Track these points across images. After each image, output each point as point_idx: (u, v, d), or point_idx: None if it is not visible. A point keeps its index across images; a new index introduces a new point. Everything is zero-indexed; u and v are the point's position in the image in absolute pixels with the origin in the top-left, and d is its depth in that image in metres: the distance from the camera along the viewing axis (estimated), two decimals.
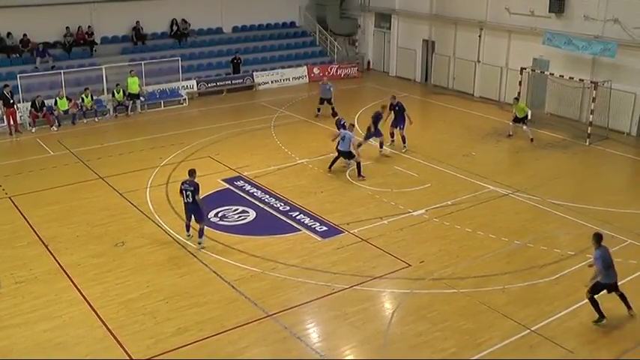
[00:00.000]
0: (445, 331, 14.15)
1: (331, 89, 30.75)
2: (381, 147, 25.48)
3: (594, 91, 27.35)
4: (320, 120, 30.27)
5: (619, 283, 14.54)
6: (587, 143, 27.17)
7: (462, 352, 13.39)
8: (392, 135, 26.59)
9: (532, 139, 27.01)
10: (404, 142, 26.10)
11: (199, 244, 17.81)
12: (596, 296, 14.28)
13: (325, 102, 30.74)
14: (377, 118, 25.16)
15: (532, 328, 14.16)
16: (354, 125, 23.50)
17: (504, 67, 33.68)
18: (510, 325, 14.32)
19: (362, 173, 22.74)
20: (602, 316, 14.34)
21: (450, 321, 14.52)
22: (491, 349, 13.50)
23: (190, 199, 17.53)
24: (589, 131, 27.35)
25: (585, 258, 17.21)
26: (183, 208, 18.00)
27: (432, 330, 14.19)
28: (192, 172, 17.75)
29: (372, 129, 25.06)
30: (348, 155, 22.99)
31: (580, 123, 29.03)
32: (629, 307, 14.54)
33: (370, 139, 25.40)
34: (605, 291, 14.36)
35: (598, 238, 14.36)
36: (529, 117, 27.26)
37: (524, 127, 27.15)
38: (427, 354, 13.36)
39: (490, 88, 34.42)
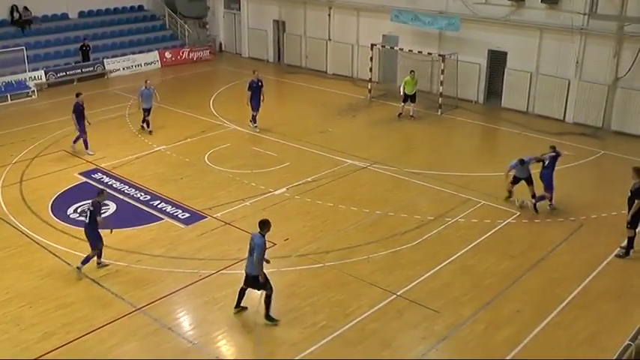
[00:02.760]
0: (315, 305, 14.29)
1: (155, 95, 26.68)
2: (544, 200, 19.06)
3: (442, 64, 28.43)
4: (175, 105, 29.56)
5: None
6: (439, 113, 28.24)
7: (332, 324, 13.57)
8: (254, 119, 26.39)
9: (413, 116, 27.52)
10: (254, 122, 26.11)
11: (78, 268, 15.75)
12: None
13: (147, 112, 26.00)
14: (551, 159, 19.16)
15: (398, 293, 14.59)
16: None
17: (355, 44, 34.32)
18: (377, 292, 14.68)
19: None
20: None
21: (319, 295, 14.68)
22: (360, 317, 13.78)
23: (87, 220, 15.76)
24: (440, 102, 28.46)
25: (445, 221, 18.02)
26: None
27: (301, 305, 14.28)
28: (100, 192, 16.11)
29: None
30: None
31: (431, 94, 30.04)
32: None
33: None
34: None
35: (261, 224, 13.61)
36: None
37: (412, 104, 27.57)
38: (299, 329, 13.44)
39: (342, 65, 34.99)
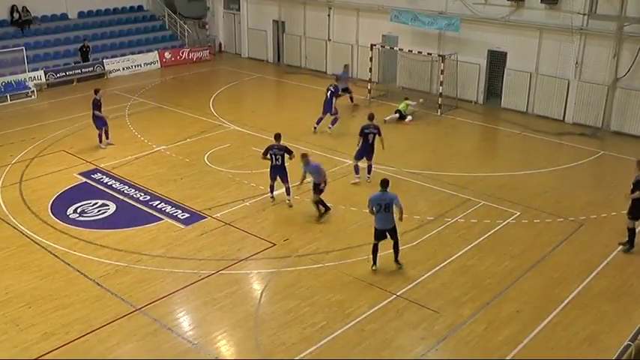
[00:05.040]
0: (314, 305, 14.27)
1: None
2: None
3: (442, 64, 28.40)
4: (175, 105, 29.75)
5: None
6: (438, 113, 28.23)
7: (332, 324, 13.56)
8: (357, 168, 21.12)
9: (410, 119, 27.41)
10: (369, 173, 21.21)
11: (289, 201, 19.29)
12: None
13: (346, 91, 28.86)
14: None
15: (397, 294, 14.57)
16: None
17: (355, 45, 34.31)
18: (377, 292, 14.66)
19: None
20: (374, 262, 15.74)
21: (318, 295, 14.66)
22: (360, 317, 13.77)
23: (279, 162, 18.83)
24: (440, 102, 28.44)
25: (444, 222, 18.01)
26: (270, 170, 19.10)
27: (301, 306, 14.26)
28: (278, 137, 19.17)
29: None
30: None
31: (431, 95, 30.06)
32: (396, 259, 15.80)
33: None
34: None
35: (384, 183, 15.52)
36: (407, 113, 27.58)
37: (409, 117, 27.41)
38: (298, 330, 13.42)
39: (342, 66, 34.80)
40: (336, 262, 16.04)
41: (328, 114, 25.57)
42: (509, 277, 15.32)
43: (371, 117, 20.84)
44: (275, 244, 16.89)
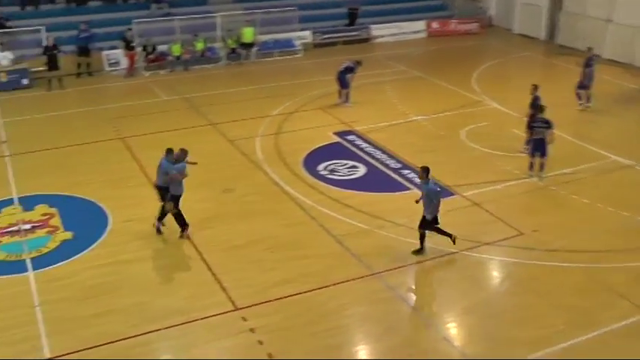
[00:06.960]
0: (555, 306, 13.41)
1: None
2: None
3: None
4: (436, 76, 29.62)
5: None
6: None
7: (572, 330, 12.63)
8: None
9: None
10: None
11: (542, 177, 19.06)
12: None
13: None
14: None
15: None
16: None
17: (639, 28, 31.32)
18: (628, 306, 13.37)
19: None
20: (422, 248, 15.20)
21: (562, 296, 13.75)
22: (605, 329, 12.67)
23: (543, 135, 18.72)
24: None
25: None
26: (531, 144, 19.14)
27: (540, 303, 13.50)
28: (543, 109, 19.17)
29: None
30: None
31: None
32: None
33: None
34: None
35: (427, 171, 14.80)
36: None
37: None
38: (533, 328, 12.71)
39: (621, 51, 32.11)
40: (587, 264, 14.88)
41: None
42: None
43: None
44: (522, 234, 16.11)
